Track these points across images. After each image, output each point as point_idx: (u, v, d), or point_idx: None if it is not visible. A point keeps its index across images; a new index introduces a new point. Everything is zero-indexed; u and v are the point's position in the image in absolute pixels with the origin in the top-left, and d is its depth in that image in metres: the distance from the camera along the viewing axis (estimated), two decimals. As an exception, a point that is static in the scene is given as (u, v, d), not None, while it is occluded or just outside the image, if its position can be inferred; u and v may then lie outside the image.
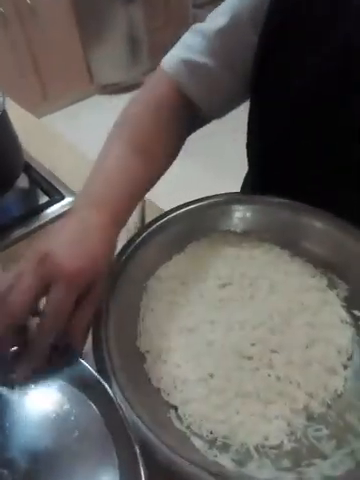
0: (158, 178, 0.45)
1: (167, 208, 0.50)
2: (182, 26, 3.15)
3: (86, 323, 0.36)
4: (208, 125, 0.56)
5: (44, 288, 0.32)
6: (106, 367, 0.37)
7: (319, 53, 0.42)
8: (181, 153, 0.52)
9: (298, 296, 0.47)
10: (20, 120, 0.71)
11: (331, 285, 0.48)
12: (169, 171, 0.48)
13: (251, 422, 0.38)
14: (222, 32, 0.45)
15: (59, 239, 0.34)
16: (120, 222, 0.39)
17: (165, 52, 0.50)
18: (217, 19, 0.45)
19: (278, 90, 0.46)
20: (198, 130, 0.55)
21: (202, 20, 0.48)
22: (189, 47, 0.47)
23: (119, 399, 0.34)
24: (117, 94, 3.15)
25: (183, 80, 0.46)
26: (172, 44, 0.49)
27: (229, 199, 0.53)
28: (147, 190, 0.43)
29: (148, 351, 0.44)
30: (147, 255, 0.48)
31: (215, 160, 2.22)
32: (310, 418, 0.39)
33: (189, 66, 0.46)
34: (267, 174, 0.58)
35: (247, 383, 0.40)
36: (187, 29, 0.48)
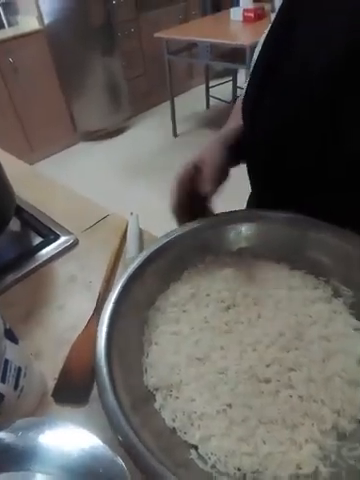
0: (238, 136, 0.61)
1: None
2: (159, 73, 3.10)
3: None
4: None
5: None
6: (116, 414, 0.33)
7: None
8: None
9: (305, 309, 0.45)
10: (10, 166, 0.69)
11: (336, 294, 0.47)
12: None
13: (280, 451, 0.35)
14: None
15: None
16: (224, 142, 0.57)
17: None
18: None
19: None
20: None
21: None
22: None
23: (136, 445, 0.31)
24: (101, 140, 3.23)
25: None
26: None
27: (219, 220, 0.53)
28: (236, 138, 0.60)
29: (157, 389, 0.40)
30: (143, 287, 0.46)
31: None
32: (342, 437, 0.36)
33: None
34: (266, 187, 0.60)
35: (269, 408, 0.37)
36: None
